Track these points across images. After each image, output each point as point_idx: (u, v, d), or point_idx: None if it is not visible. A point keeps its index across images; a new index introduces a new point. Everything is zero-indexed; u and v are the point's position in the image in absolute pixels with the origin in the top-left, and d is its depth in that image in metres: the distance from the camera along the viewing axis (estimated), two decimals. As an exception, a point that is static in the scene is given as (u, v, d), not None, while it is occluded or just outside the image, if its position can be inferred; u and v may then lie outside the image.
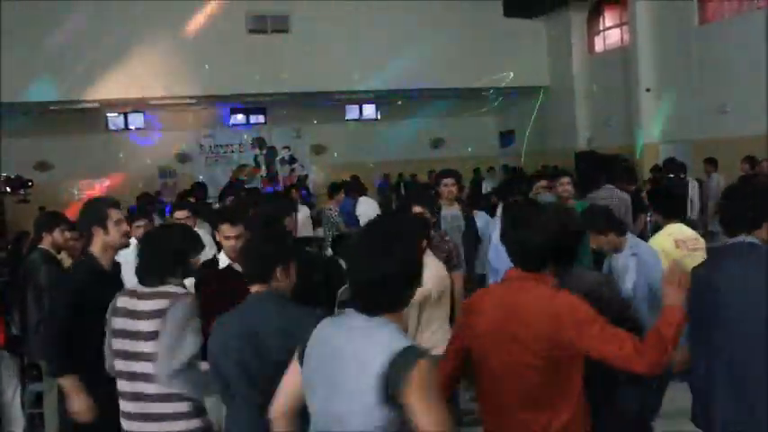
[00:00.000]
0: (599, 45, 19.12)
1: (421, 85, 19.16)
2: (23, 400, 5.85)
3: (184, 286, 3.74)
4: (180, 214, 6.72)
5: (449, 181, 7.65)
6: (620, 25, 18.14)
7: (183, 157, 20.72)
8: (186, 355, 3.43)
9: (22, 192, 15.65)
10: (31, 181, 15.99)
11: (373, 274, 2.42)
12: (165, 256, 3.61)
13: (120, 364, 3.58)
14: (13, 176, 15.59)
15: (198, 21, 17.22)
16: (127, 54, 16.77)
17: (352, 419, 2.37)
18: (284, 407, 2.65)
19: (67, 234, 5.97)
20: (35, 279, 5.65)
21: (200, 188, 12.53)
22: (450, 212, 7.13)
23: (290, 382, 2.64)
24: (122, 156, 20.11)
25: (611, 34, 18.68)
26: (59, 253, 5.91)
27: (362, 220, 9.87)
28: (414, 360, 2.30)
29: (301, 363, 2.58)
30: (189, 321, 3.48)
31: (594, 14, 19.08)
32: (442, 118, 22.29)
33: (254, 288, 3.18)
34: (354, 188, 11.68)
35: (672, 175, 11.16)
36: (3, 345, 5.73)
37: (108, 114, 20.28)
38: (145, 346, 3.47)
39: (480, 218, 7.82)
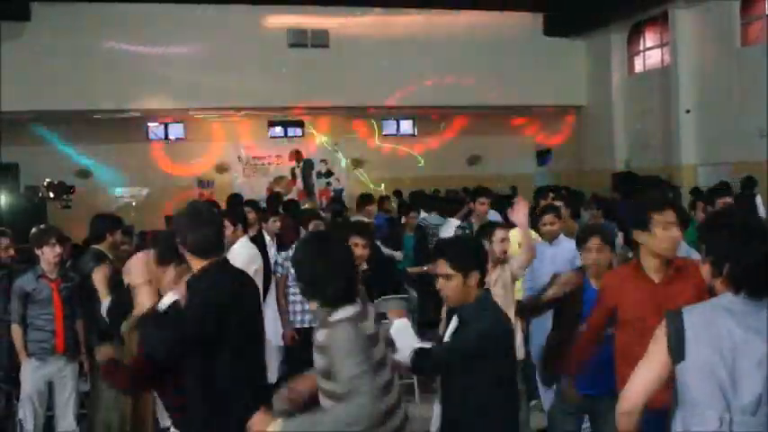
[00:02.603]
0: (639, 65, 19.02)
1: (459, 101, 19.23)
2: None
3: None
4: None
5: (484, 199, 8.13)
6: (660, 46, 18.03)
7: (221, 168, 20.92)
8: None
9: (64, 198, 15.87)
10: (73, 187, 16.22)
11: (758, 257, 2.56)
12: None
13: None
14: (56, 182, 15.81)
15: (240, 34, 17.43)
16: (169, 66, 17.05)
17: None
18: (642, 402, 2.71)
19: (125, 238, 6.16)
20: (88, 280, 5.75)
21: (236, 199, 12.36)
22: None
23: (654, 378, 2.70)
24: (162, 165, 20.39)
25: (651, 54, 18.57)
26: (114, 255, 6.04)
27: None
28: None
29: (675, 356, 2.62)
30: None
31: (635, 35, 19.01)
32: (479, 135, 22.28)
33: None
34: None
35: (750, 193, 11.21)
36: (62, 351, 5.85)
37: (149, 124, 20.60)
38: None
39: None
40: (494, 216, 8.24)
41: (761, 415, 2.53)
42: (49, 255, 5.68)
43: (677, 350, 2.61)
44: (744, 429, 2.53)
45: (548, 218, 6.50)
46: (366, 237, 5.85)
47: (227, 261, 3.78)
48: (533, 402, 6.64)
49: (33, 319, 5.69)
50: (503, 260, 5.72)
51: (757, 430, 2.53)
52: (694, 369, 2.60)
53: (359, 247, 5.59)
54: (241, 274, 3.82)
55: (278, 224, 8.66)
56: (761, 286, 2.56)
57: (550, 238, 6.43)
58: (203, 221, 3.57)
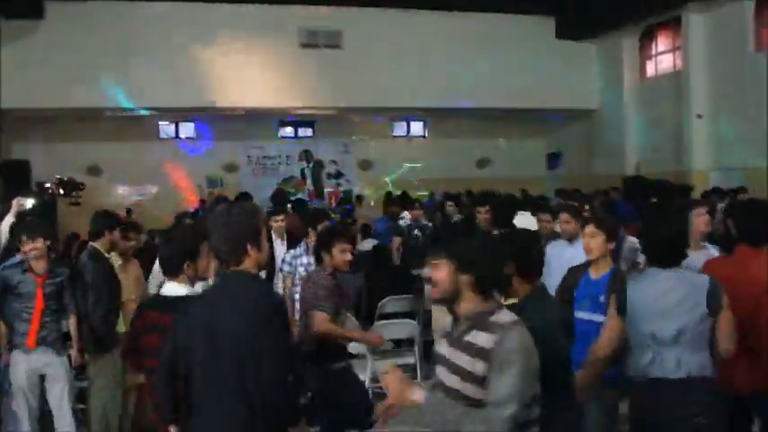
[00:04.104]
0: (650, 70, 18.88)
1: (469, 104, 19.18)
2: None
3: None
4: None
5: (482, 209, 7.99)
6: (672, 50, 17.90)
7: (230, 167, 20.95)
8: None
9: (73, 194, 15.91)
10: (83, 184, 16.27)
11: (667, 236, 3.82)
12: None
13: None
14: (66, 179, 15.86)
15: (251, 34, 17.44)
16: (181, 65, 17.07)
17: (688, 330, 3.67)
18: (609, 350, 3.90)
19: (133, 234, 6.27)
20: (83, 276, 5.80)
21: (245, 198, 12.39)
22: None
23: (614, 330, 3.90)
24: (171, 164, 20.45)
25: (663, 59, 18.43)
26: (111, 252, 6.08)
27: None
28: (719, 286, 3.73)
29: (621, 311, 3.83)
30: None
31: (647, 39, 18.88)
32: (488, 138, 22.24)
33: None
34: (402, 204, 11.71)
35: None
36: (33, 345, 5.82)
37: (160, 123, 20.67)
38: None
39: None
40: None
41: (682, 342, 3.67)
42: (25, 249, 5.68)
43: (622, 309, 3.83)
44: (670, 356, 3.68)
45: (564, 216, 6.31)
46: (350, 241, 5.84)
47: None
48: None
49: (21, 312, 5.70)
50: None
51: (681, 354, 3.67)
52: (633, 321, 3.79)
53: (345, 252, 5.52)
54: None
55: (279, 223, 8.45)
56: (662, 260, 3.81)
57: (568, 238, 6.18)
58: None
